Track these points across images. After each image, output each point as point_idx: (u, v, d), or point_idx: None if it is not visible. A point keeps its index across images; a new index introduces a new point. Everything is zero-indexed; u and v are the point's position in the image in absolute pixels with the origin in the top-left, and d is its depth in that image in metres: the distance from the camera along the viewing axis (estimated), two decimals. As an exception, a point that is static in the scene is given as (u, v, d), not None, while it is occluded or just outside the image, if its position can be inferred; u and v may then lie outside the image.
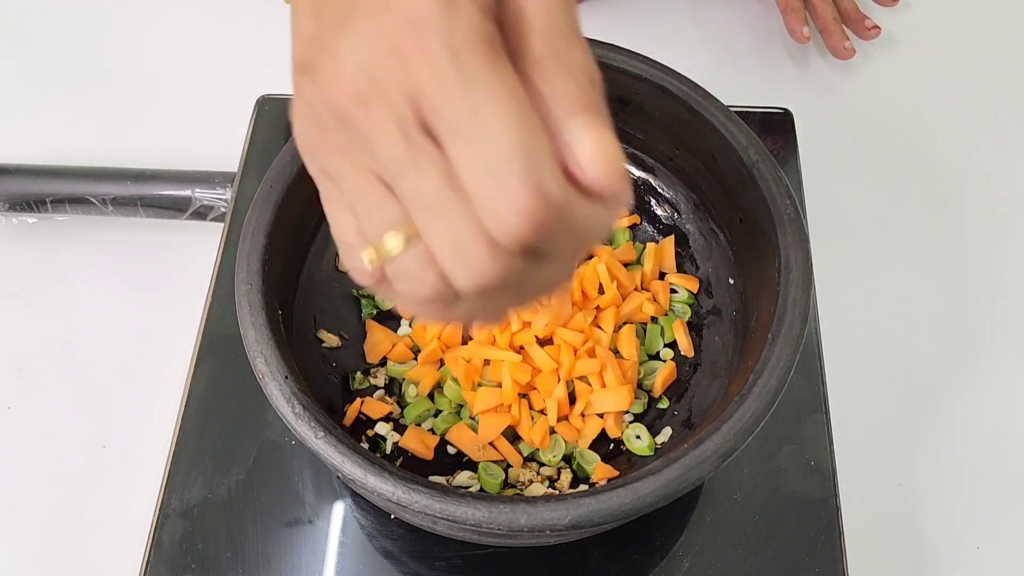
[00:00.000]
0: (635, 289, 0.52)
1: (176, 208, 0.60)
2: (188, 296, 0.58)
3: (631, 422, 0.50)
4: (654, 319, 0.52)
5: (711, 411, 0.46)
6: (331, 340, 0.50)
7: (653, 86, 0.49)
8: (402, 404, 0.50)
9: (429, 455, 0.48)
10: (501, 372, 0.49)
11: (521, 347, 0.50)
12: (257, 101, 0.63)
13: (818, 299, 0.56)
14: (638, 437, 0.48)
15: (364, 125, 0.25)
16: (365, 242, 0.27)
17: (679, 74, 0.49)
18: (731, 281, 0.51)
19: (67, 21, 0.74)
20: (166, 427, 0.52)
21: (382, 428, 0.49)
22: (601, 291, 0.51)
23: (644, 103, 0.50)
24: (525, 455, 0.49)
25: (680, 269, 0.54)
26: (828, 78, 0.71)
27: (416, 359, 0.51)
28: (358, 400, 0.49)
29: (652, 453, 0.48)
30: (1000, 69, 0.72)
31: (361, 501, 0.50)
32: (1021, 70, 0.72)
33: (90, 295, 0.61)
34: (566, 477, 0.48)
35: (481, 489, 0.47)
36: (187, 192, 0.60)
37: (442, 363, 0.51)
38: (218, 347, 0.54)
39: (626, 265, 0.53)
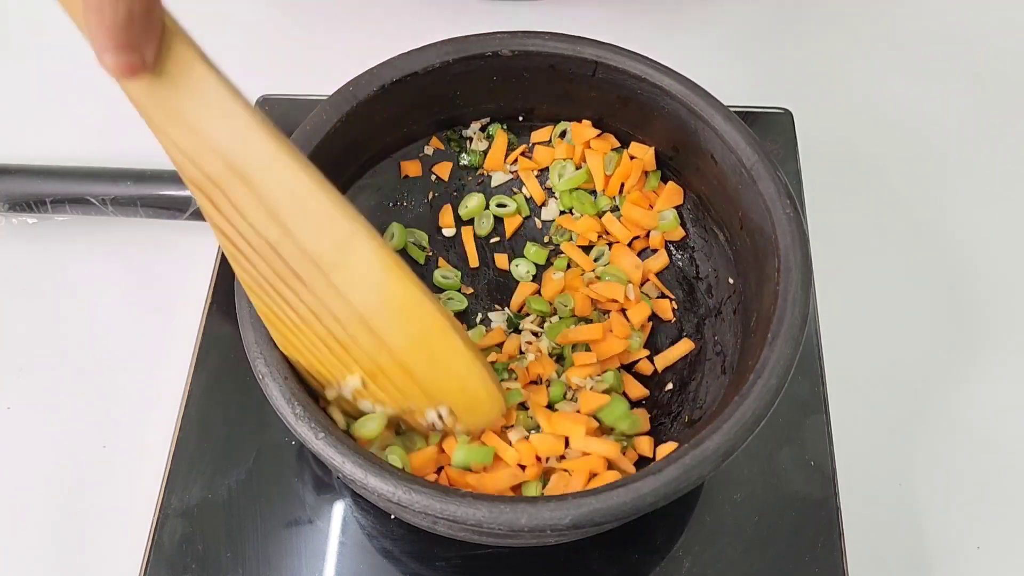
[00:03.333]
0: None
1: (176, 208, 0.60)
2: (188, 296, 0.58)
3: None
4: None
5: (711, 411, 0.46)
6: (331, 340, 0.50)
7: (653, 86, 0.49)
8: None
9: (429, 455, 0.48)
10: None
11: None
12: (257, 101, 0.63)
13: (818, 299, 0.56)
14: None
15: None
16: None
17: (679, 74, 0.49)
18: (731, 281, 0.51)
19: (67, 21, 0.74)
20: (166, 427, 0.52)
21: (382, 428, 0.49)
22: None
23: (644, 103, 0.50)
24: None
25: (680, 269, 0.53)
26: (828, 78, 0.71)
27: None
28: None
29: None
30: (1000, 69, 0.72)
31: (361, 501, 0.50)
32: (1022, 70, 0.72)
33: (90, 295, 0.60)
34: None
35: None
36: (187, 192, 0.59)
37: None
38: (218, 347, 0.54)
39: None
